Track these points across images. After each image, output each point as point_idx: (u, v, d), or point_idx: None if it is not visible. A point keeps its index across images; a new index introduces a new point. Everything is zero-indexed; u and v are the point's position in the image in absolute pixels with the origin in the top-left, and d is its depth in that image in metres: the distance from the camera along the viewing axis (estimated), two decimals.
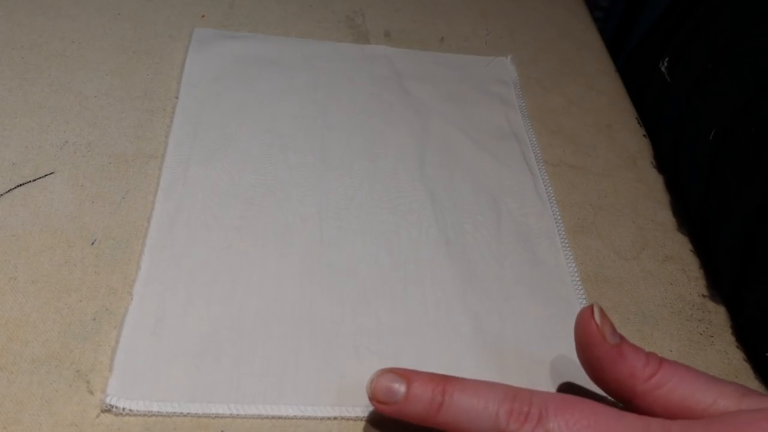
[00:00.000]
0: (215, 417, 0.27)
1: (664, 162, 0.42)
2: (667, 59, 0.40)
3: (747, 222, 0.34)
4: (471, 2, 0.55)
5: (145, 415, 0.26)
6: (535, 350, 0.31)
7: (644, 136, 0.44)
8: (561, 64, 0.49)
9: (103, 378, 0.27)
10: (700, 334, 0.33)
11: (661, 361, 0.25)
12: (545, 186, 0.39)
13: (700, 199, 0.38)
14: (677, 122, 0.41)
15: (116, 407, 0.26)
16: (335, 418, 0.27)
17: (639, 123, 0.45)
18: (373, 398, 0.26)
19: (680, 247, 0.38)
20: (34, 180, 0.35)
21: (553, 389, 0.30)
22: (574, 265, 0.35)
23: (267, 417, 0.27)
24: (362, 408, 0.28)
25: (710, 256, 0.37)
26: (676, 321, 0.34)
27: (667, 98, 0.44)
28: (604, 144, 0.43)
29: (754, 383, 0.32)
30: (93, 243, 0.32)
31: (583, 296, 0.34)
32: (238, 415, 0.27)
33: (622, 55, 0.54)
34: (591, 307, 0.26)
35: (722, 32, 0.41)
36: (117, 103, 0.40)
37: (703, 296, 0.35)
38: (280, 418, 0.27)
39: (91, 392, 0.27)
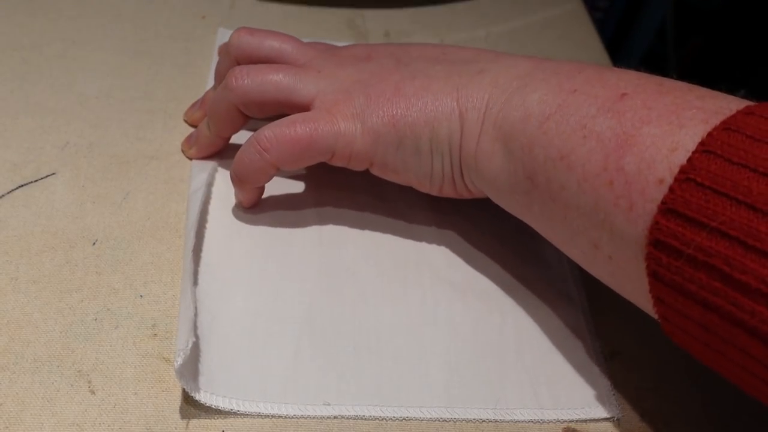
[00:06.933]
0: (215, 414, 0.27)
1: None
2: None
3: None
4: (471, 4, 0.55)
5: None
6: (536, 349, 0.31)
7: None
8: None
9: (104, 378, 0.27)
10: None
11: None
12: None
13: None
14: None
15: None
16: (335, 418, 0.28)
17: None
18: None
19: None
20: (36, 181, 0.35)
21: (554, 386, 0.30)
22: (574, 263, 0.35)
23: (267, 416, 0.27)
24: (362, 408, 0.28)
25: None
26: None
27: None
28: None
29: None
30: (94, 243, 0.32)
31: (584, 294, 0.34)
32: (238, 411, 0.27)
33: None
34: None
35: None
36: (118, 104, 0.40)
37: None
38: (280, 417, 0.27)
39: (92, 392, 0.27)
